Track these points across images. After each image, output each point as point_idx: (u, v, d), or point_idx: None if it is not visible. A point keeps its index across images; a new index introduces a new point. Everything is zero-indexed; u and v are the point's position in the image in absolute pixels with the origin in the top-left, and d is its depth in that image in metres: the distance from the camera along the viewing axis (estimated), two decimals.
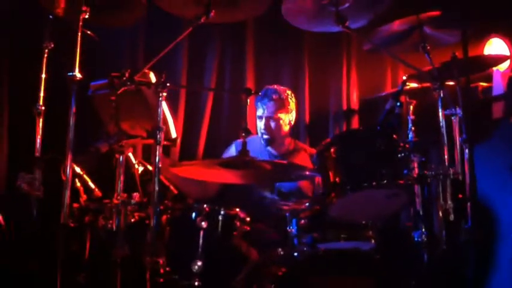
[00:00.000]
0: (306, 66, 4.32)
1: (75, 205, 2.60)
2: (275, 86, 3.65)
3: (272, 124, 3.59)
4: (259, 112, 3.61)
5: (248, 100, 2.54)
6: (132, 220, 2.49)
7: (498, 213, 3.22)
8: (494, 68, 3.54)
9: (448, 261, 2.39)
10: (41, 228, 2.72)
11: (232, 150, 3.66)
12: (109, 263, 2.41)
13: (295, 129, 3.91)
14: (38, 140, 2.77)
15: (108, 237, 2.46)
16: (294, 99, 3.68)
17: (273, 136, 3.61)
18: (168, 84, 2.43)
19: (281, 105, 3.58)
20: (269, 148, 3.66)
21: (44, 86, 2.82)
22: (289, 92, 3.66)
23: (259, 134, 3.66)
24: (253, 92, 2.55)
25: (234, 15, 2.98)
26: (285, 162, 3.42)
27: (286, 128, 3.66)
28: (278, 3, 2.76)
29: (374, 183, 2.39)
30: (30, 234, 2.76)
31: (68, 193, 2.40)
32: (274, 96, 3.57)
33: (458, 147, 2.58)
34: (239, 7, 2.83)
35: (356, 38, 4.17)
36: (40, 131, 2.78)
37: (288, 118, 3.64)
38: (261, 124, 3.61)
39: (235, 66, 4.21)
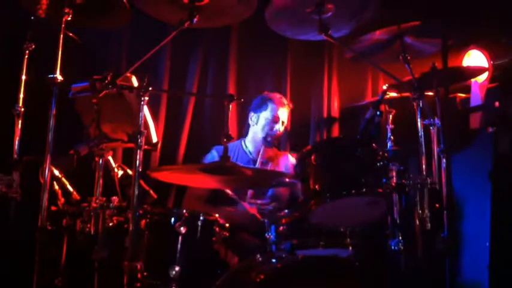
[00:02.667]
0: (288, 73, 4.35)
1: (53, 208, 2.57)
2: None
3: (284, 125, 3.74)
4: (280, 114, 3.68)
5: (230, 106, 2.55)
6: (111, 224, 2.47)
7: (475, 221, 3.27)
8: (473, 80, 3.60)
9: (424, 269, 2.41)
10: (18, 231, 2.69)
11: (213, 156, 3.66)
12: (86, 267, 2.38)
13: None
14: (17, 142, 2.74)
15: (86, 241, 2.44)
16: None
17: (281, 139, 3.79)
18: (150, 89, 2.43)
19: (290, 108, 3.80)
20: (249, 154, 3.67)
21: (24, 87, 2.80)
22: None
23: (265, 137, 3.67)
24: (235, 98, 2.56)
25: (218, 21, 2.98)
26: (265, 168, 3.44)
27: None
28: (262, 10, 2.77)
29: (353, 191, 2.41)
30: (7, 237, 2.73)
31: (46, 196, 2.38)
32: (289, 105, 3.78)
33: (436, 157, 2.62)
34: (223, 13, 2.84)
35: (338, 47, 4.20)
36: (19, 133, 2.75)
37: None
38: (277, 126, 3.67)
39: (218, 71, 4.22)
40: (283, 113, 3.70)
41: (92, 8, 2.71)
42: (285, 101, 3.74)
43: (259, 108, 3.71)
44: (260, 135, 3.68)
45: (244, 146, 3.72)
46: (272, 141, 3.67)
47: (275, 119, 3.66)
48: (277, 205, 3.50)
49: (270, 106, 3.67)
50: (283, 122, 3.70)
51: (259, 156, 3.66)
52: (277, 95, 3.76)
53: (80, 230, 2.46)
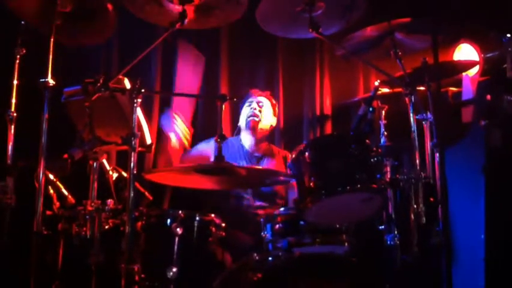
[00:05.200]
0: (280, 71, 4.35)
1: (48, 212, 2.56)
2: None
3: (261, 109, 3.71)
4: (249, 100, 3.74)
5: (223, 106, 2.55)
6: (107, 227, 2.48)
7: (470, 215, 3.29)
8: (464, 73, 3.61)
9: (420, 264, 2.42)
10: (13, 237, 2.68)
11: (211, 144, 3.65)
12: (83, 270, 2.38)
13: (270, 134, 3.94)
14: (10, 147, 2.73)
15: (82, 244, 2.44)
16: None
17: (260, 120, 3.68)
18: (142, 91, 2.43)
19: (270, 100, 3.79)
20: (247, 148, 3.69)
21: (16, 92, 2.79)
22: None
23: (244, 122, 3.70)
24: (228, 98, 2.56)
25: (209, 22, 2.98)
26: (260, 167, 3.44)
27: (267, 127, 3.74)
28: (253, 9, 2.78)
29: (348, 187, 2.42)
30: (3, 242, 2.72)
31: (41, 200, 2.37)
32: (265, 94, 3.81)
33: (429, 151, 2.63)
34: (214, 13, 2.84)
35: (329, 45, 4.21)
36: (12, 138, 2.75)
37: (272, 117, 3.77)
38: (249, 108, 3.70)
39: (210, 71, 4.21)
40: (258, 100, 3.75)
41: (80, 16, 2.70)
42: (263, 93, 3.81)
43: (242, 105, 3.80)
44: (243, 125, 3.72)
45: (240, 141, 3.76)
46: (252, 124, 3.68)
47: (250, 104, 3.73)
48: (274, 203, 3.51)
49: (248, 99, 3.77)
50: (259, 103, 3.73)
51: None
52: (257, 89, 3.86)
53: (76, 233, 2.46)
